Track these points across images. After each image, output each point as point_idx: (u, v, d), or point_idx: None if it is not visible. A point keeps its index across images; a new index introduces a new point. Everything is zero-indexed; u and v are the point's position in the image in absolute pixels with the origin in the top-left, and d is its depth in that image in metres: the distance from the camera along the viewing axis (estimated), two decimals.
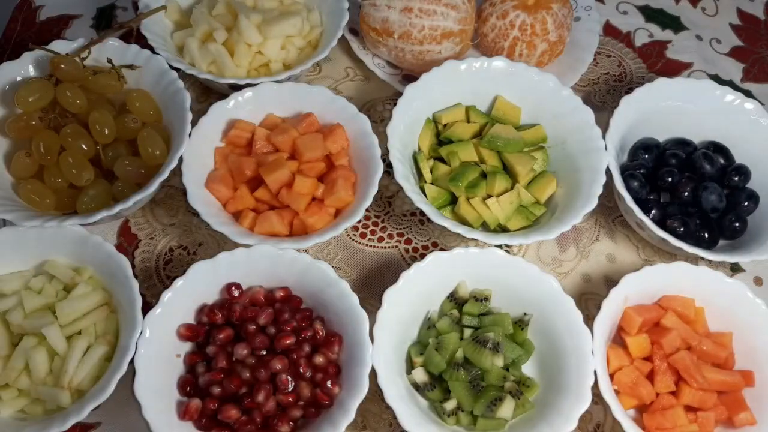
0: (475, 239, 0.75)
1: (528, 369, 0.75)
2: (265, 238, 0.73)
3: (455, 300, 0.76)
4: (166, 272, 0.80)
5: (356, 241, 0.84)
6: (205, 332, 0.70)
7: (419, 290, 0.74)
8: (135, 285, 0.68)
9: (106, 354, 0.69)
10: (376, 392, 0.71)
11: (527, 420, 0.70)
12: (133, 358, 0.65)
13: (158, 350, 0.67)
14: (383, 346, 0.68)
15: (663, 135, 0.91)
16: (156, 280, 0.80)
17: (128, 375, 0.64)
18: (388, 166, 0.79)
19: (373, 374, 0.66)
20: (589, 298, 0.83)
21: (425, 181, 0.83)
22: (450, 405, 0.70)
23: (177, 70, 0.81)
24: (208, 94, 0.93)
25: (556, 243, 0.87)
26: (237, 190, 0.78)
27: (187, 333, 0.70)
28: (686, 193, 0.84)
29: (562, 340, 0.72)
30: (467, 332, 0.74)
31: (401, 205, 0.87)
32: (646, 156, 0.88)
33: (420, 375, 0.72)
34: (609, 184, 0.79)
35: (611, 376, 0.73)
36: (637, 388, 0.72)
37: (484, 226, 0.80)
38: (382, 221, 0.86)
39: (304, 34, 0.90)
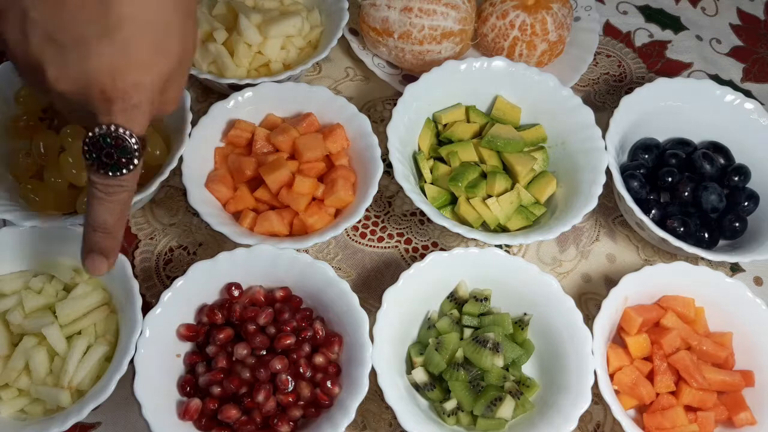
0: (475, 239, 0.75)
1: (528, 369, 0.75)
2: (265, 238, 0.73)
3: (455, 300, 0.76)
4: (166, 272, 0.80)
5: (356, 241, 0.84)
6: (205, 332, 0.70)
7: (419, 290, 0.74)
8: (135, 285, 0.68)
9: (106, 354, 0.69)
10: (376, 392, 0.72)
11: (527, 420, 0.70)
12: (133, 358, 0.65)
13: (158, 350, 0.67)
14: (383, 346, 0.68)
15: (663, 135, 0.91)
16: (156, 280, 0.80)
17: (128, 375, 0.64)
18: (388, 166, 0.79)
19: (373, 374, 0.66)
20: (589, 298, 0.83)
21: (425, 181, 0.83)
22: (450, 405, 0.70)
23: None
24: (208, 94, 0.93)
25: (556, 243, 0.87)
26: (237, 190, 0.78)
27: (187, 333, 0.69)
28: (686, 193, 0.84)
29: (562, 340, 0.72)
30: (467, 332, 0.74)
31: (401, 205, 0.87)
32: (646, 156, 0.88)
33: (420, 375, 0.72)
34: (609, 184, 0.79)
35: (611, 376, 0.73)
36: (637, 388, 0.72)
37: (484, 226, 0.80)
38: (382, 221, 0.86)
39: (304, 34, 0.90)
